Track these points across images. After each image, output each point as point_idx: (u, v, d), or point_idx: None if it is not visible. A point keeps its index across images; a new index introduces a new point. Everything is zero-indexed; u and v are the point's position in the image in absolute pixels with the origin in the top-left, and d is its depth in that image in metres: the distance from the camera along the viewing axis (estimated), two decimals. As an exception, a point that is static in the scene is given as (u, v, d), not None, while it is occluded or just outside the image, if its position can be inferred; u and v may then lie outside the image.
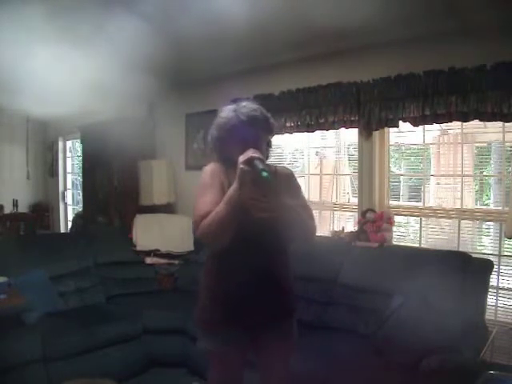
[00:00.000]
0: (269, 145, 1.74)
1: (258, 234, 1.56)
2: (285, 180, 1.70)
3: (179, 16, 2.59)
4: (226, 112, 1.64)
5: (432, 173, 3.39)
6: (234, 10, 2.36)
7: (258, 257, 1.58)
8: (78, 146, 5.87)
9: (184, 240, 3.95)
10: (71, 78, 3.14)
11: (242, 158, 1.43)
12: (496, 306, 2.75)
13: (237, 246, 1.54)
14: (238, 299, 1.59)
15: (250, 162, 1.41)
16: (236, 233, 1.51)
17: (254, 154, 1.42)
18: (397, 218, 3.23)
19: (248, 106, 1.63)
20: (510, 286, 2.78)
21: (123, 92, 3.33)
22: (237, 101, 1.70)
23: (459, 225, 2.96)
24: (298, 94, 3.43)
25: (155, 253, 3.83)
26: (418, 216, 3.18)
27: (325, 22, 2.61)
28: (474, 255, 2.66)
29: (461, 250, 2.82)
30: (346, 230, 3.31)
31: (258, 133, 1.60)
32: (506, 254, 2.80)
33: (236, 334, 1.64)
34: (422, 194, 3.26)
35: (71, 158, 6.45)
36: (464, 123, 2.84)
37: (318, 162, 3.85)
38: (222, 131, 1.64)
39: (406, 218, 3.39)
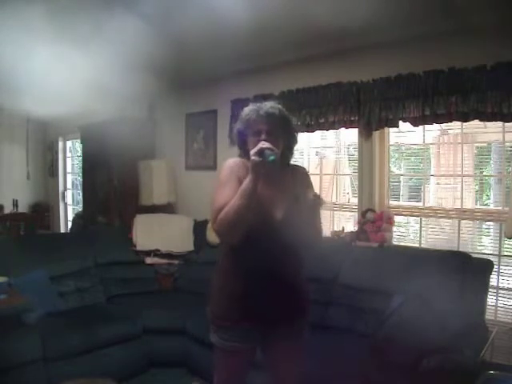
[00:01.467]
0: (289, 149, 1.76)
1: (274, 234, 1.58)
2: (301, 177, 1.78)
3: (179, 16, 2.58)
4: (249, 107, 1.72)
5: (432, 173, 3.39)
6: (234, 10, 2.36)
7: (273, 256, 1.60)
8: (78, 145, 5.88)
9: (184, 240, 3.95)
10: (71, 77, 3.14)
11: (253, 150, 1.50)
12: (496, 305, 2.75)
13: (252, 245, 1.57)
14: (252, 297, 1.61)
15: (260, 152, 1.49)
16: (252, 232, 1.54)
17: (263, 145, 1.50)
18: (397, 218, 3.23)
19: (269, 104, 1.70)
20: (509, 286, 2.78)
21: (123, 92, 3.34)
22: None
23: (459, 225, 2.96)
24: (297, 94, 3.44)
25: (155, 253, 3.83)
26: (418, 216, 3.18)
27: (325, 22, 2.61)
28: (474, 255, 2.66)
29: (461, 249, 2.82)
30: (345, 230, 3.31)
31: (273, 128, 1.64)
32: (506, 254, 2.80)
33: (248, 331, 1.66)
34: (422, 194, 3.27)
35: (71, 158, 6.45)
36: (464, 123, 2.84)
37: (318, 162, 3.84)
38: (241, 124, 1.71)
39: (406, 218, 3.39)
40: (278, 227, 1.60)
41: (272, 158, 1.47)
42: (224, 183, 1.62)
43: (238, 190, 1.54)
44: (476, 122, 2.70)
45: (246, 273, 1.62)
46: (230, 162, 1.72)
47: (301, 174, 1.79)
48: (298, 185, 1.73)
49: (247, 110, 1.70)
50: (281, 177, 1.71)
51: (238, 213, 1.49)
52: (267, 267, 1.59)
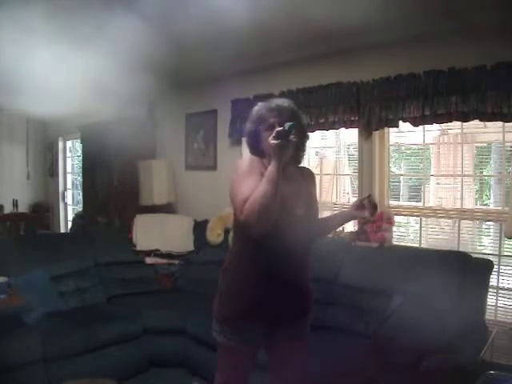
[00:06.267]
0: (301, 147, 1.74)
1: (292, 232, 1.58)
2: (310, 179, 1.84)
3: (179, 16, 2.59)
4: (258, 105, 1.73)
5: (432, 173, 3.39)
6: (234, 10, 2.36)
7: (288, 255, 1.59)
8: (78, 145, 5.87)
9: (184, 240, 3.95)
10: (71, 77, 3.14)
11: (271, 136, 1.50)
12: (496, 305, 2.75)
13: (269, 243, 1.55)
14: (264, 298, 1.61)
15: (278, 134, 1.48)
16: (271, 229, 1.52)
17: (279, 129, 1.50)
18: (397, 218, 3.23)
19: (277, 99, 1.73)
20: (509, 286, 2.78)
21: (123, 92, 3.33)
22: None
23: (459, 225, 2.96)
24: (298, 93, 3.43)
25: (155, 253, 3.83)
26: (418, 216, 3.18)
27: (325, 22, 2.61)
28: (474, 255, 2.65)
29: (461, 249, 2.82)
30: (345, 230, 3.31)
31: (286, 120, 1.60)
32: (506, 254, 2.80)
33: (253, 331, 1.66)
34: (422, 194, 3.27)
35: (71, 157, 6.45)
36: (464, 123, 2.84)
37: (318, 162, 3.84)
38: (253, 122, 1.71)
39: (406, 217, 3.39)
40: (295, 225, 1.60)
41: (290, 124, 1.49)
42: (245, 176, 1.60)
43: (259, 181, 1.52)
44: (476, 122, 2.70)
45: (259, 273, 1.61)
46: (246, 157, 1.74)
47: (309, 174, 1.85)
48: (311, 185, 1.80)
49: (257, 107, 1.71)
50: (296, 175, 1.74)
51: (266, 199, 1.45)
52: (282, 267, 1.59)
